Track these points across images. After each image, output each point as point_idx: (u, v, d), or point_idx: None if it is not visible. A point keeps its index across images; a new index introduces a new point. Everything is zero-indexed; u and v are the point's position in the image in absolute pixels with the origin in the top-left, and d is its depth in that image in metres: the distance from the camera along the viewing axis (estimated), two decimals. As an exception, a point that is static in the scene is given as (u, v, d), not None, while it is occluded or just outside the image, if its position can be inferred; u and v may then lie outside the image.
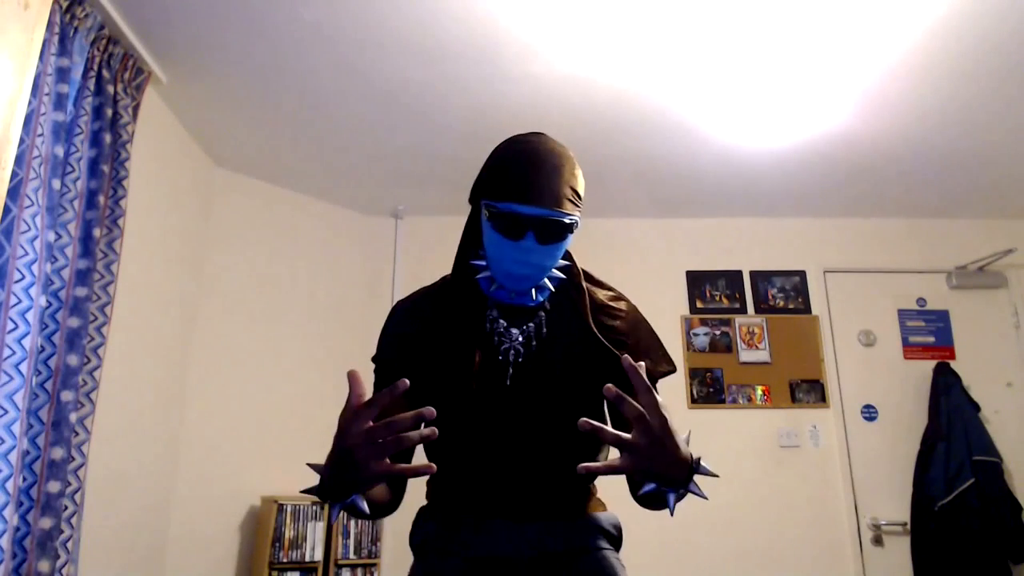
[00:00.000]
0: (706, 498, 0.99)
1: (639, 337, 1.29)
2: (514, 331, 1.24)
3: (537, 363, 1.22)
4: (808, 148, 3.21)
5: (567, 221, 1.16)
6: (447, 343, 1.24)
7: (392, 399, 0.88)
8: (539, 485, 1.21)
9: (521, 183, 1.14)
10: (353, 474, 0.92)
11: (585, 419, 0.89)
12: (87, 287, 2.23)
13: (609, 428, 0.92)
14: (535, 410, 1.21)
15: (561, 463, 1.20)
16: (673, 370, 1.30)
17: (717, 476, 1.02)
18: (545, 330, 1.25)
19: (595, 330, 1.25)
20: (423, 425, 1.01)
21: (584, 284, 1.29)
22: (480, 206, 1.23)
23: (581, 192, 1.20)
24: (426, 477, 1.29)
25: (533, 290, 1.23)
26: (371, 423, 0.90)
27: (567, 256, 1.29)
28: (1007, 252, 3.74)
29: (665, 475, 0.96)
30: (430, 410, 0.88)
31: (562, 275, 1.27)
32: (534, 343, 1.23)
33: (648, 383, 0.93)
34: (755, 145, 3.20)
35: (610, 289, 1.35)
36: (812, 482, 3.56)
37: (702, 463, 0.99)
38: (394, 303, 1.35)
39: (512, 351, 1.23)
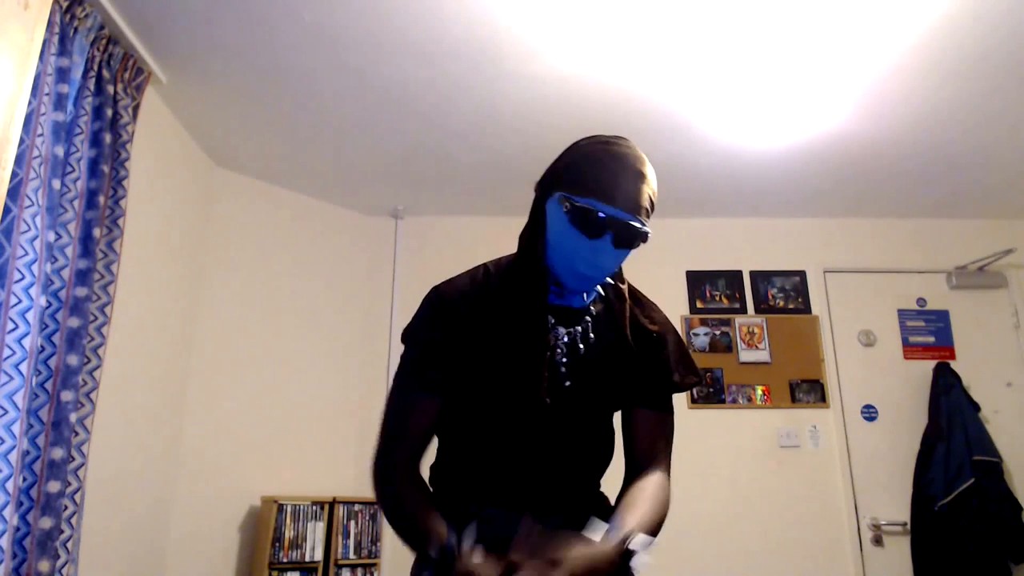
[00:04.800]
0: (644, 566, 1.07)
1: (670, 349, 1.31)
2: (560, 330, 1.24)
3: (582, 367, 1.23)
4: (808, 148, 3.21)
5: (644, 230, 1.15)
6: (505, 340, 1.21)
7: None
8: (559, 481, 1.24)
9: (608, 182, 1.13)
10: None
11: None
12: (87, 287, 2.23)
13: None
14: (575, 412, 1.23)
15: (582, 461, 1.26)
16: (699, 381, 1.34)
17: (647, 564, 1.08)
18: (592, 335, 1.25)
19: (632, 344, 1.26)
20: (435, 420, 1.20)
21: (627, 295, 1.30)
22: (552, 197, 1.19)
23: (655, 205, 1.19)
24: (430, 463, 1.31)
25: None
26: None
27: None
28: (1007, 252, 3.74)
29: None
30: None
31: (611, 280, 1.28)
32: (581, 347, 1.24)
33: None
34: (755, 145, 3.19)
35: (647, 300, 1.37)
36: (812, 482, 3.55)
37: (634, 558, 1.04)
38: (428, 292, 1.27)
39: (558, 350, 1.23)
